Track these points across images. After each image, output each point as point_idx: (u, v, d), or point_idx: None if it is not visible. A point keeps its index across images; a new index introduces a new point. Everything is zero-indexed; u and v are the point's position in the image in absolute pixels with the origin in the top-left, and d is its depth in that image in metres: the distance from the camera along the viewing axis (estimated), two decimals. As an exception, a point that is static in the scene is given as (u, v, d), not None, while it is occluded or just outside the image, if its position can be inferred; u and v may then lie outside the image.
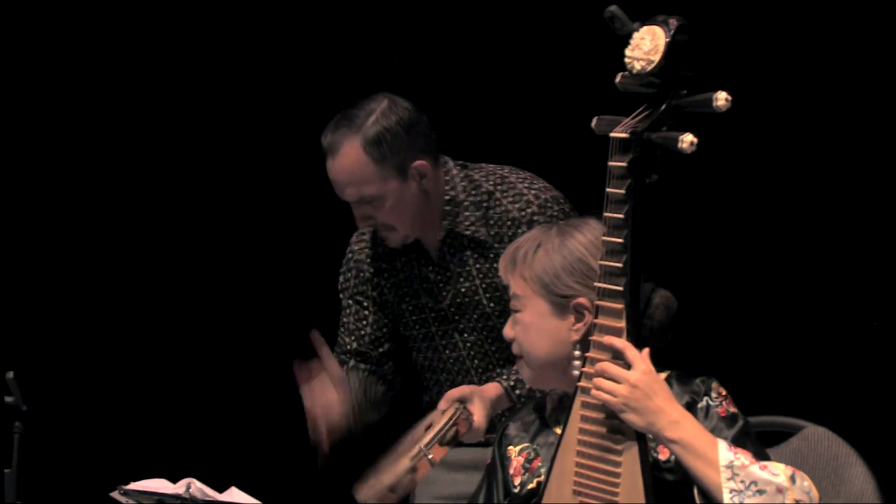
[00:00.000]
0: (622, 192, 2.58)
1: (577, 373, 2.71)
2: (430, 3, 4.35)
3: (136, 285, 4.72)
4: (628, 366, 2.59)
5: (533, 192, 3.35)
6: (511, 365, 3.28)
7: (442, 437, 3.11)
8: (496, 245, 3.34)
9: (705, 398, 2.68)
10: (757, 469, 2.53)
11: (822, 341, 4.00)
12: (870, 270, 3.99)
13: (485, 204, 3.36)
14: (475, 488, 2.93)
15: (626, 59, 2.58)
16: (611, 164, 2.59)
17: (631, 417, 2.58)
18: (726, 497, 2.51)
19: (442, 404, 3.18)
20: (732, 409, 2.68)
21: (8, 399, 2.98)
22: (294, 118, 4.41)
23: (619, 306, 2.60)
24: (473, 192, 3.37)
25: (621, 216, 2.58)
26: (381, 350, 3.49)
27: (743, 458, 2.55)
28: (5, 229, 4.69)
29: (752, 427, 2.68)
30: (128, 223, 4.70)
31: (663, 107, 2.58)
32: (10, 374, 2.99)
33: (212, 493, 2.80)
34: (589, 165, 2.77)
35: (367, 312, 3.48)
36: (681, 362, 2.76)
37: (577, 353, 2.73)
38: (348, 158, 3.25)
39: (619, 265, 2.59)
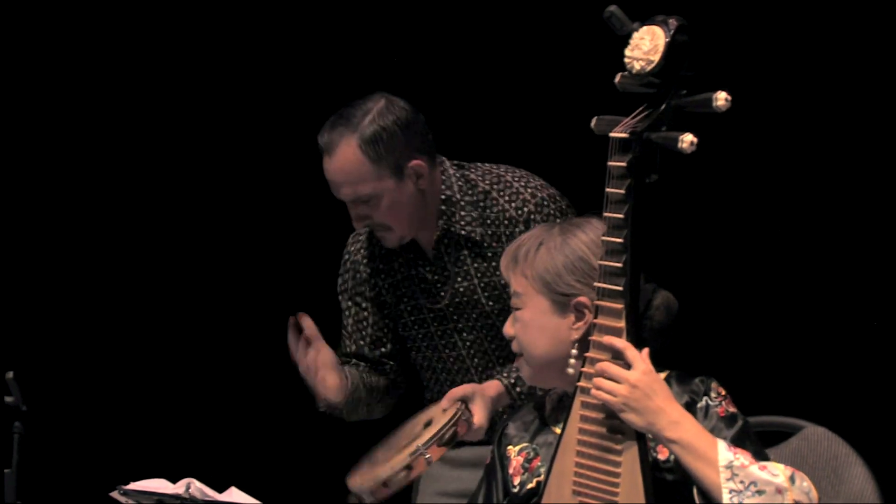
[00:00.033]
0: (622, 192, 2.58)
1: (571, 371, 2.72)
2: (430, 3, 4.35)
3: (136, 285, 4.72)
4: (628, 366, 2.60)
5: (529, 190, 3.35)
6: (511, 363, 3.28)
7: (441, 438, 3.11)
8: (494, 244, 3.34)
9: (704, 398, 2.69)
10: (756, 469, 2.53)
11: (822, 341, 4.00)
12: (870, 270, 3.99)
13: (481, 203, 3.36)
14: (475, 488, 2.94)
15: (626, 59, 2.58)
16: (610, 164, 2.59)
17: (631, 417, 2.58)
18: (725, 497, 2.51)
19: (444, 403, 3.19)
20: (732, 409, 2.69)
21: (8, 399, 2.98)
22: (294, 119, 4.41)
23: (619, 306, 2.60)
24: (470, 192, 3.37)
25: (621, 216, 2.58)
26: (382, 350, 3.50)
27: (742, 458, 2.55)
28: (5, 229, 4.69)
29: (751, 427, 2.68)
30: (127, 223, 4.70)
31: (663, 107, 2.59)
32: (10, 374, 2.99)
33: (211, 493, 2.80)
34: (589, 165, 2.77)
35: (366, 314, 3.48)
36: (680, 362, 2.76)
37: (574, 351, 2.73)
38: (345, 157, 3.26)
39: (619, 265, 2.59)
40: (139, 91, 4.65)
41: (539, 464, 2.81)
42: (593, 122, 2.64)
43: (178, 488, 2.79)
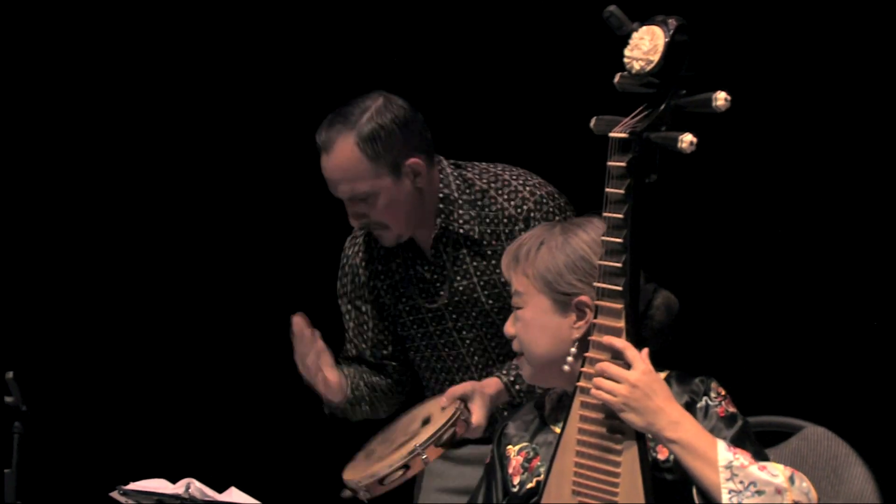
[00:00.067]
0: (621, 192, 2.58)
1: (567, 367, 2.71)
2: (430, 2, 4.35)
3: (136, 286, 4.72)
4: (628, 366, 2.60)
5: (528, 188, 3.35)
6: (511, 361, 3.29)
7: (439, 439, 3.11)
8: (493, 242, 3.34)
9: (704, 398, 2.69)
10: (756, 469, 2.53)
11: (822, 341, 4.00)
12: (870, 270, 3.99)
13: (479, 202, 3.36)
14: (475, 487, 2.94)
15: (625, 59, 2.58)
16: (610, 164, 2.59)
17: (630, 417, 2.58)
18: (725, 497, 2.51)
19: (444, 401, 3.19)
20: (731, 409, 2.69)
21: (8, 399, 2.98)
22: (294, 119, 4.41)
23: (619, 306, 2.60)
24: (467, 191, 3.37)
25: (620, 216, 2.58)
26: (384, 353, 3.50)
27: (742, 458, 2.55)
28: (5, 229, 4.69)
29: (751, 427, 2.68)
30: (127, 224, 4.70)
31: (662, 107, 2.59)
32: (10, 375, 2.99)
33: (211, 494, 2.80)
34: (588, 165, 2.77)
35: (366, 318, 3.48)
36: (680, 362, 2.76)
37: (573, 349, 2.73)
38: (342, 155, 3.26)
39: (619, 265, 2.59)
40: (139, 91, 4.65)
41: (539, 463, 2.81)
42: (593, 122, 2.64)
43: (178, 488, 2.79)
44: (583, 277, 2.73)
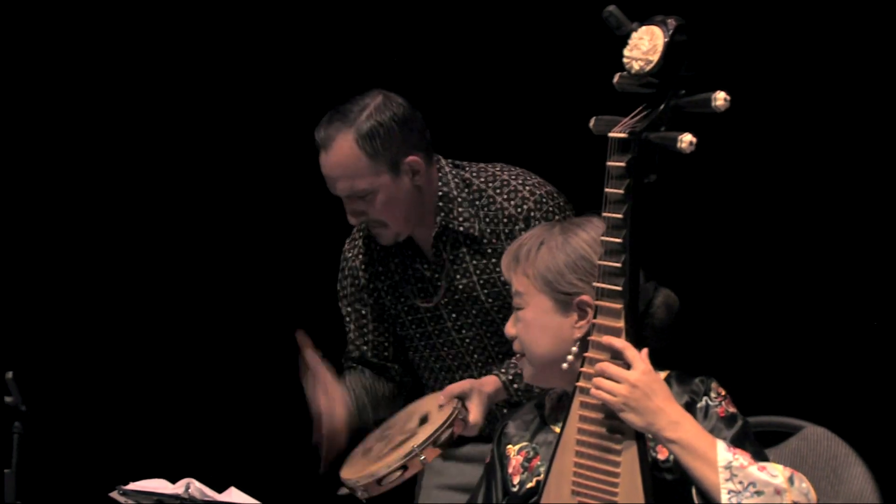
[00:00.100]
0: (621, 192, 2.58)
1: (566, 366, 2.71)
2: (430, 2, 4.35)
3: (136, 286, 4.72)
4: (628, 366, 2.59)
5: (528, 188, 3.35)
6: (509, 359, 3.29)
7: (437, 439, 3.11)
8: (493, 241, 3.34)
9: (704, 398, 2.68)
10: (755, 470, 2.53)
11: (822, 341, 4.00)
12: (870, 270, 3.99)
13: (477, 202, 3.36)
14: (475, 487, 2.94)
15: (625, 59, 2.58)
16: (609, 164, 2.59)
17: (630, 417, 2.58)
18: (724, 497, 2.51)
19: (441, 398, 3.19)
20: (731, 409, 2.69)
21: (7, 399, 2.98)
22: (294, 119, 4.41)
23: (618, 306, 2.60)
24: (466, 190, 3.37)
25: (620, 216, 2.58)
26: (385, 355, 3.50)
27: (742, 458, 2.54)
28: (5, 229, 4.69)
29: (750, 427, 2.68)
30: (127, 224, 4.70)
31: (662, 107, 2.58)
32: (10, 375, 2.99)
33: (211, 494, 2.80)
34: (588, 165, 2.77)
35: (365, 321, 3.48)
36: (680, 362, 2.76)
37: (574, 349, 2.73)
38: (341, 152, 3.26)
39: (618, 265, 2.59)
40: (138, 90, 4.65)
41: (539, 463, 2.81)
42: (592, 122, 2.64)
43: (178, 488, 2.79)
44: (584, 277, 2.73)
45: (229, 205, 4.66)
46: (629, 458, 2.58)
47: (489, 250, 3.35)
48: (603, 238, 2.61)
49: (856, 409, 3.84)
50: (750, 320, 4.07)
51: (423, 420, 3.20)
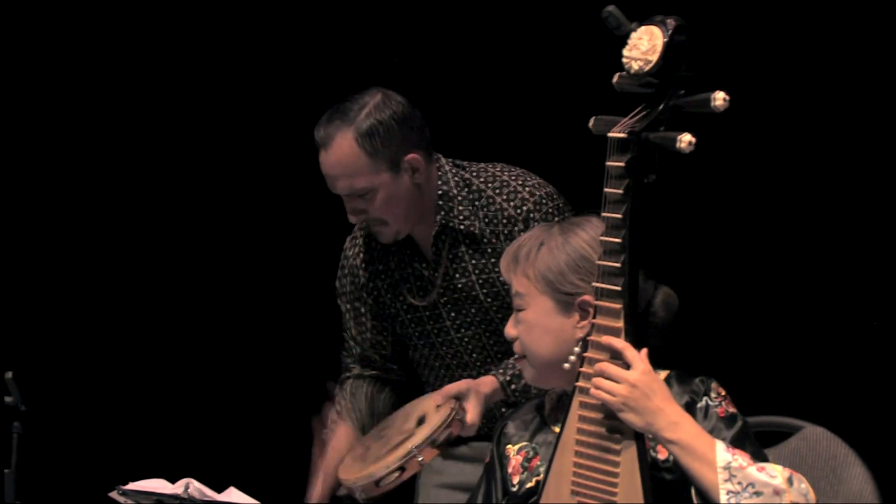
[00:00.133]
0: (620, 192, 2.58)
1: (567, 366, 2.71)
2: (430, 3, 4.35)
3: (136, 286, 4.71)
4: (627, 366, 2.59)
5: (528, 189, 3.35)
6: (508, 358, 3.29)
7: (434, 440, 3.11)
8: (493, 241, 3.34)
9: (704, 398, 2.68)
10: (754, 471, 2.53)
11: (822, 341, 4.00)
12: (870, 270, 3.98)
13: (477, 202, 3.36)
14: (474, 486, 2.94)
15: (624, 59, 2.58)
16: (609, 164, 2.59)
17: (630, 417, 2.57)
18: (723, 498, 2.51)
19: (438, 398, 3.19)
20: (731, 410, 2.68)
21: (7, 399, 2.98)
22: (294, 119, 4.40)
23: (618, 306, 2.60)
24: (466, 189, 3.37)
25: (619, 216, 2.58)
26: (383, 353, 3.50)
27: (741, 459, 2.54)
28: (5, 229, 4.69)
29: (750, 428, 2.67)
30: (126, 224, 4.70)
31: (661, 107, 2.58)
32: (9, 375, 2.99)
33: (210, 494, 2.80)
34: (587, 165, 2.77)
35: (364, 318, 3.48)
36: (680, 362, 2.75)
37: (577, 349, 2.73)
38: (341, 151, 3.26)
39: (618, 265, 2.59)
40: (138, 90, 4.64)
41: (538, 463, 2.81)
42: (591, 122, 2.64)
43: (177, 488, 2.79)
44: (585, 277, 2.72)
45: (229, 204, 4.66)
46: (628, 458, 2.58)
47: (488, 250, 3.35)
48: (602, 238, 2.61)
49: (855, 410, 3.84)
50: (750, 320, 4.07)
51: (421, 421, 3.20)
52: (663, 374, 2.70)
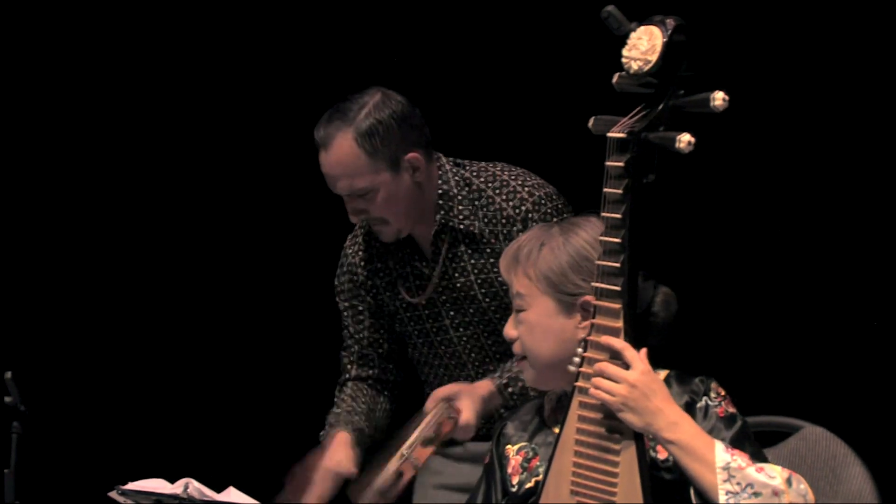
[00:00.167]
0: (619, 192, 2.58)
1: (572, 368, 2.71)
2: (430, 3, 4.35)
3: (136, 286, 4.71)
4: (626, 366, 2.59)
5: (527, 189, 3.35)
6: (506, 359, 3.29)
7: (424, 439, 3.11)
8: (492, 241, 3.34)
9: (704, 398, 2.68)
10: (753, 471, 2.53)
11: (822, 341, 4.00)
12: (869, 270, 3.98)
13: (477, 202, 3.36)
14: (474, 487, 2.94)
15: (623, 59, 2.58)
16: (608, 164, 2.59)
17: (629, 417, 2.57)
18: (722, 498, 2.51)
19: (428, 404, 3.20)
20: (731, 410, 2.68)
21: (6, 399, 2.98)
22: (294, 119, 4.40)
23: (617, 306, 2.60)
24: (465, 189, 3.37)
25: (619, 216, 2.58)
26: (380, 351, 3.50)
27: (740, 459, 2.54)
28: (5, 229, 4.69)
29: (750, 428, 2.67)
30: (126, 223, 4.70)
31: (661, 107, 2.58)
32: (9, 375, 2.99)
33: (210, 494, 2.80)
34: (587, 165, 2.77)
35: (362, 317, 3.48)
36: (680, 362, 2.75)
37: (580, 349, 2.72)
38: (341, 151, 3.26)
39: (617, 265, 2.59)
40: (138, 90, 4.65)
41: (538, 463, 2.81)
42: (591, 122, 2.64)
43: (177, 488, 2.79)
44: (587, 277, 2.71)
45: (229, 204, 4.66)
46: (628, 458, 2.58)
47: (488, 250, 3.35)
48: (602, 238, 2.61)
49: (855, 409, 3.84)
50: (749, 320, 4.07)
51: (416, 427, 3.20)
52: (663, 374, 2.70)
